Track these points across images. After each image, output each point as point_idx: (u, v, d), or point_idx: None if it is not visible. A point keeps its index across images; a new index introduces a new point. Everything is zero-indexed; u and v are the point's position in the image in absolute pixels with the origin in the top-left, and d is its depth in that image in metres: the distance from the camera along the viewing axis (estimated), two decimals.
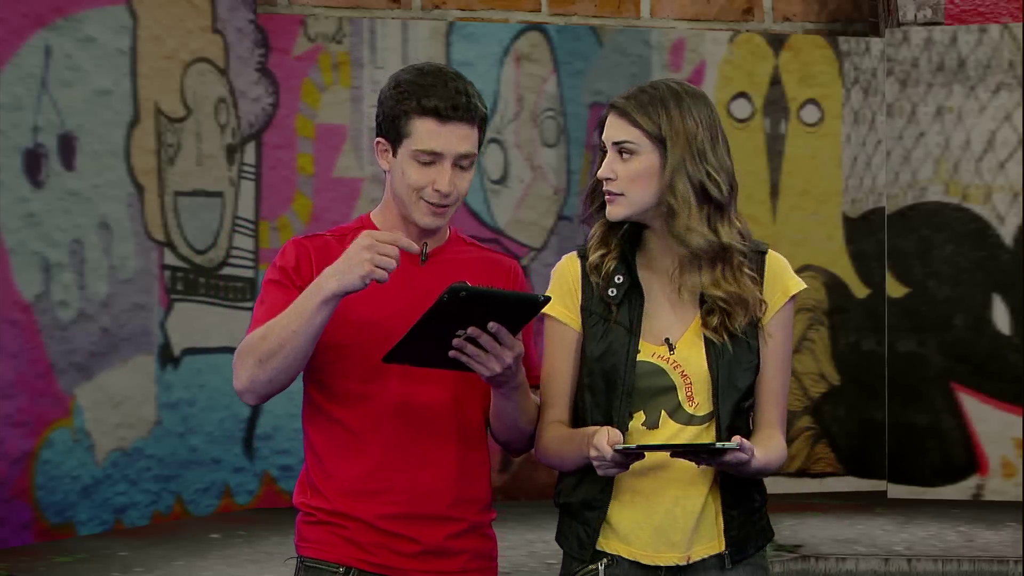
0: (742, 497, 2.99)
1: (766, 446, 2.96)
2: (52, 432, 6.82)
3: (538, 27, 8.30)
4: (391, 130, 2.98)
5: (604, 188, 2.98)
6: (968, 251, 8.22)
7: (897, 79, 8.32)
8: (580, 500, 2.99)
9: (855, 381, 8.39)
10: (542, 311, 2.90)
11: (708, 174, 2.94)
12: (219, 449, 7.54)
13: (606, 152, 2.99)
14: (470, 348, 2.79)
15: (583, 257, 3.04)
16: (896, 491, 8.19)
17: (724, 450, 2.79)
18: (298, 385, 3.06)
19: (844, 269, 8.43)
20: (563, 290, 3.02)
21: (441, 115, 2.93)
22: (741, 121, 8.34)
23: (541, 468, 8.09)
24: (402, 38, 8.07)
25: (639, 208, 2.96)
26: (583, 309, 3.00)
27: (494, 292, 2.78)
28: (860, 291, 8.44)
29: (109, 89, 7.09)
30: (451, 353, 2.80)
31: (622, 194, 2.96)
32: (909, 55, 8.30)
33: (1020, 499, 7.82)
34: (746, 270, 2.97)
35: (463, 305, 2.72)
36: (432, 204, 2.95)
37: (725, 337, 2.95)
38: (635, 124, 2.95)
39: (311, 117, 7.96)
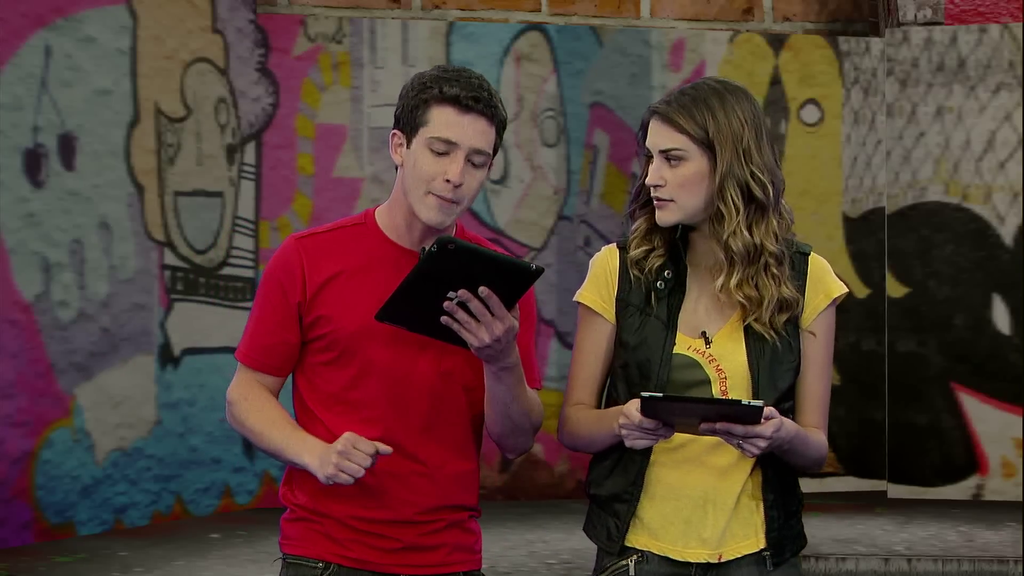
0: (782, 499, 2.98)
1: (805, 431, 2.95)
2: (52, 432, 6.82)
3: (538, 27, 8.30)
4: (408, 121, 2.95)
5: (653, 194, 2.96)
6: (968, 251, 8.22)
7: (897, 79, 8.32)
8: (610, 492, 2.99)
9: (855, 381, 8.39)
10: (577, 301, 2.97)
11: (753, 175, 2.93)
12: (219, 449, 7.54)
13: (650, 158, 2.97)
14: (461, 314, 2.75)
15: (623, 249, 3.03)
16: (896, 491, 8.19)
17: (751, 410, 2.73)
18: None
19: (844, 269, 8.43)
20: (599, 281, 3.03)
21: (461, 104, 2.90)
22: None
23: (541, 468, 8.09)
24: (402, 38, 8.07)
25: (690, 213, 2.95)
26: (619, 300, 3.00)
27: (483, 251, 2.74)
28: (860, 291, 8.44)
29: (109, 89, 7.09)
30: (443, 319, 2.76)
31: (672, 200, 2.94)
32: (909, 55, 8.30)
33: (1020, 499, 7.82)
34: (774, 271, 2.95)
35: (452, 261, 2.69)
36: (439, 197, 2.91)
37: (772, 334, 2.94)
38: (681, 130, 2.93)
39: (311, 117, 7.96)
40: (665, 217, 2.96)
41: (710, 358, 2.95)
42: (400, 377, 2.95)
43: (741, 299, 2.94)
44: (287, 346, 3.01)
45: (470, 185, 2.93)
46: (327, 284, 2.98)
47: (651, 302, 2.98)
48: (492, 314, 2.76)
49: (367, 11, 8.16)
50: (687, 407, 2.80)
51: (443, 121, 2.90)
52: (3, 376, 6.63)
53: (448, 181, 2.90)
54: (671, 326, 2.95)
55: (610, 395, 3.02)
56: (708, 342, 2.95)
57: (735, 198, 2.92)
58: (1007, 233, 8.20)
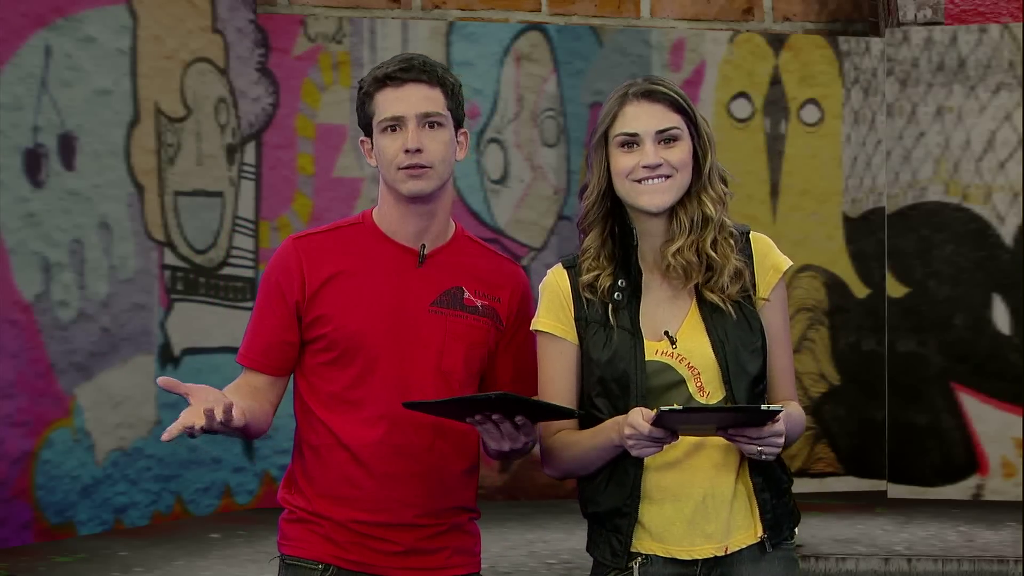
0: (772, 479, 2.98)
1: (786, 410, 2.95)
2: (52, 432, 6.82)
3: (538, 27, 8.29)
4: (364, 121, 3.01)
5: (650, 175, 2.93)
6: (968, 251, 8.22)
7: (897, 79, 8.31)
8: (608, 508, 2.96)
9: (855, 381, 8.39)
10: (535, 330, 2.99)
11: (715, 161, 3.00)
12: (219, 449, 7.54)
13: (633, 144, 2.93)
14: (489, 425, 2.80)
15: (570, 268, 3.02)
16: (896, 491, 8.19)
17: (768, 414, 2.73)
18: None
19: (844, 269, 8.43)
20: (554, 304, 3.00)
21: (394, 79, 2.95)
22: (741, 121, 8.34)
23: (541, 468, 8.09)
24: (402, 38, 8.07)
25: (681, 194, 2.96)
26: (578, 320, 2.98)
27: (536, 402, 2.81)
28: (860, 291, 8.44)
29: (109, 89, 7.09)
30: (468, 420, 2.81)
31: (672, 176, 2.94)
32: (909, 55, 8.30)
33: (1020, 499, 7.82)
34: (719, 239, 2.97)
35: (501, 405, 2.75)
36: (407, 169, 2.94)
37: (729, 306, 2.95)
38: (678, 110, 2.96)
39: (311, 117, 7.96)
40: (663, 199, 2.94)
41: (679, 357, 2.94)
42: (401, 376, 2.95)
43: (682, 264, 2.94)
44: (287, 346, 3.01)
45: (433, 148, 2.95)
46: (326, 284, 2.98)
47: (611, 316, 2.96)
48: (519, 431, 2.82)
49: (367, 11, 8.16)
50: (705, 416, 2.82)
51: (384, 102, 2.96)
52: (3, 376, 6.63)
53: (407, 151, 2.93)
54: (637, 334, 2.94)
55: (590, 414, 2.98)
56: (673, 342, 2.95)
57: (715, 177, 2.98)
58: (1007, 233, 8.20)
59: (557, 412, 2.83)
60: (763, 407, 2.75)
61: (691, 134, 2.97)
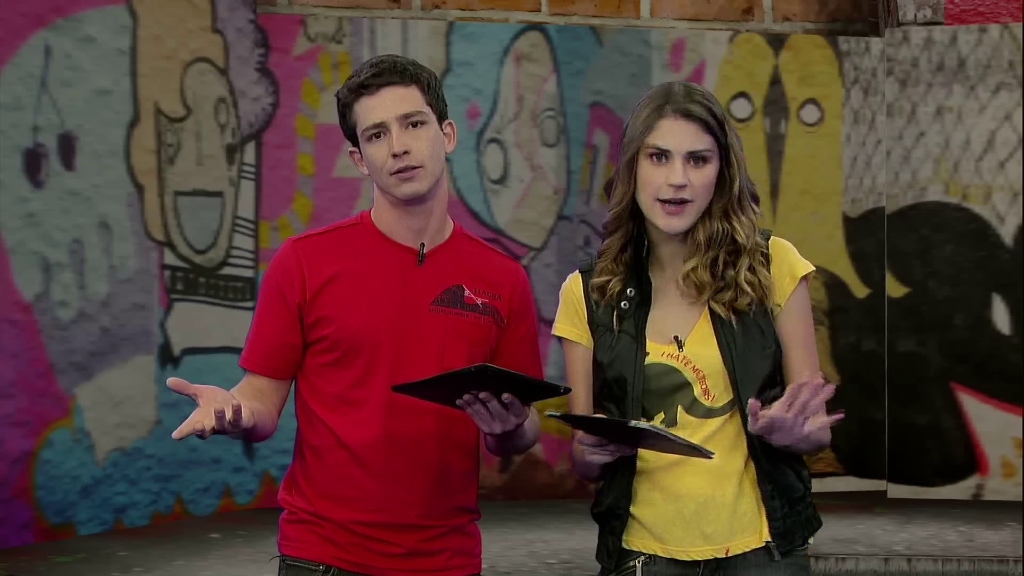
0: (783, 486, 2.97)
1: None
2: (52, 432, 6.82)
3: (538, 27, 8.29)
4: (349, 132, 3.03)
5: (673, 196, 2.92)
6: (968, 251, 8.22)
7: (897, 79, 8.31)
8: (606, 508, 3.01)
9: (855, 381, 8.39)
10: (554, 335, 3.02)
11: (746, 178, 2.99)
12: (219, 449, 7.54)
13: (663, 157, 2.92)
14: (477, 406, 2.81)
15: (585, 273, 3.04)
16: (896, 491, 8.19)
17: (637, 431, 2.76)
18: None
19: (844, 269, 8.43)
20: (570, 309, 3.04)
21: (369, 86, 2.96)
22: (741, 121, 8.34)
23: (541, 468, 8.09)
24: (402, 38, 8.07)
25: (698, 218, 2.95)
26: (591, 323, 3.01)
27: (519, 376, 2.80)
28: (860, 291, 8.44)
29: (109, 89, 7.09)
30: (458, 402, 2.81)
31: (693, 202, 2.93)
32: (909, 55, 8.30)
33: (1020, 499, 7.81)
34: (735, 258, 2.96)
35: (486, 380, 2.75)
36: (398, 174, 2.94)
37: (733, 317, 2.94)
38: (710, 131, 2.94)
39: (311, 117, 7.96)
40: (682, 223, 2.94)
41: (685, 360, 2.95)
42: (403, 375, 2.95)
43: (695, 282, 2.95)
44: (289, 348, 3.01)
45: (420, 147, 2.96)
46: (327, 284, 2.99)
47: (615, 322, 2.98)
48: (509, 411, 2.81)
49: (367, 11, 8.16)
50: (596, 428, 2.84)
51: (363, 111, 2.97)
52: (3, 376, 6.63)
53: (395, 156, 2.93)
54: (640, 338, 2.96)
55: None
56: (681, 345, 2.96)
57: (746, 203, 2.97)
58: (1007, 233, 8.20)
59: (543, 389, 2.82)
60: (630, 423, 2.77)
61: (720, 156, 2.95)
